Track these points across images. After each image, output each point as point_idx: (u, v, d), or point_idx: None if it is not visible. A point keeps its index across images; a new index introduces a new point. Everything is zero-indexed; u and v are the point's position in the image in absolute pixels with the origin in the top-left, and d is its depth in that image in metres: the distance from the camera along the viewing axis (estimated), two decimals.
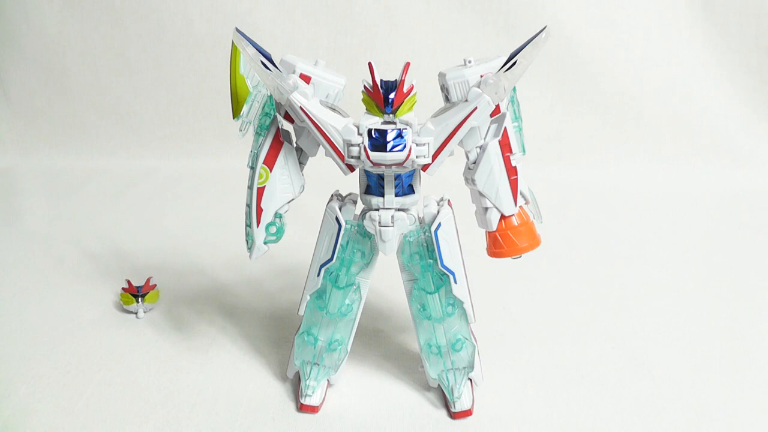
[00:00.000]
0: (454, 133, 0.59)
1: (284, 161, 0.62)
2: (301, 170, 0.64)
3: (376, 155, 0.58)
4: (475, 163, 0.61)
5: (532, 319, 0.87)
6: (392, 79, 0.59)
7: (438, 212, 0.64)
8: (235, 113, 0.64)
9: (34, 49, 1.58)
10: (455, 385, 0.67)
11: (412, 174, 0.62)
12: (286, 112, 0.60)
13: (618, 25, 1.50)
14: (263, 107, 0.64)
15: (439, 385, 0.70)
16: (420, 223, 0.64)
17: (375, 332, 0.83)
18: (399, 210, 0.63)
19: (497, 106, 0.60)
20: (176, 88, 1.59)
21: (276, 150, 0.62)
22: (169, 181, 1.47)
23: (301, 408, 0.68)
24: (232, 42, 0.61)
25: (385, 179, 0.62)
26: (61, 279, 0.99)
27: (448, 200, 0.66)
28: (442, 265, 0.63)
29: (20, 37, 1.57)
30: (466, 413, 0.68)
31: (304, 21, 1.52)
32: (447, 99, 0.62)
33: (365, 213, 0.64)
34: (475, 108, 0.58)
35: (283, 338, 0.82)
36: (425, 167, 0.61)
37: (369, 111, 0.59)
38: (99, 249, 1.10)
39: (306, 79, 0.60)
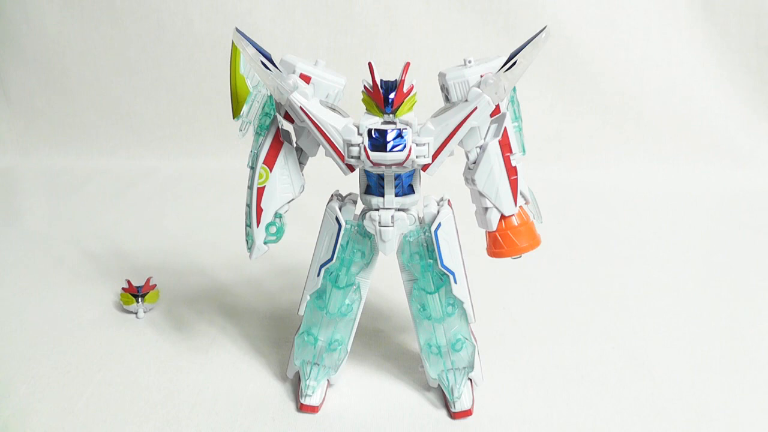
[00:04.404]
0: (454, 133, 0.59)
1: (284, 161, 0.62)
2: (301, 170, 0.64)
3: (376, 155, 0.58)
4: (475, 163, 0.61)
5: (532, 319, 0.87)
6: (392, 79, 0.59)
7: (438, 212, 0.64)
8: (235, 113, 0.64)
9: (34, 49, 1.58)
10: (455, 385, 0.67)
11: (412, 174, 0.62)
12: (286, 112, 0.60)
13: (618, 25, 1.50)
14: (263, 107, 0.64)
15: (439, 385, 0.70)
16: (420, 223, 0.65)
17: (375, 332, 0.83)
18: (399, 210, 0.63)
19: (497, 106, 0.60)
20: (176, 88, 1.59)
21: (276, 150, 0.62)
22: (169, 181, 1.47)
23: (301, 408, 0.68)
24: (232, 42, 0.61)
25: (385, 179, 0.62)
26: (61, 279, 0.99)
27: (448, 200, 0.66)
28: (442, 265, 0.63)
29: (20, 37, 1.57)
30: (466, 413, 0.68)
31: (304, 21, 1.52)
32: (447, 99, 0.62)
33: (365, 213, 0.64)
34: (475, 108, 0.58)
35: (283, 338, 0.82)
36: (425, 167, 0.61)
37: (369, 111, 0.59)
38: (99, 249, 1.10)
39: (306, 79, 0.60)
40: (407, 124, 0.59)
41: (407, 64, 0.59)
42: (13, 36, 1.58)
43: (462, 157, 0.63)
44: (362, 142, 0.59)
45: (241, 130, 0.65)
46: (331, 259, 0.65)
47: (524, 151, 0.64)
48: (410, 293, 0.67)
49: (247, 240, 0.65)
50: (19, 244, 1.12)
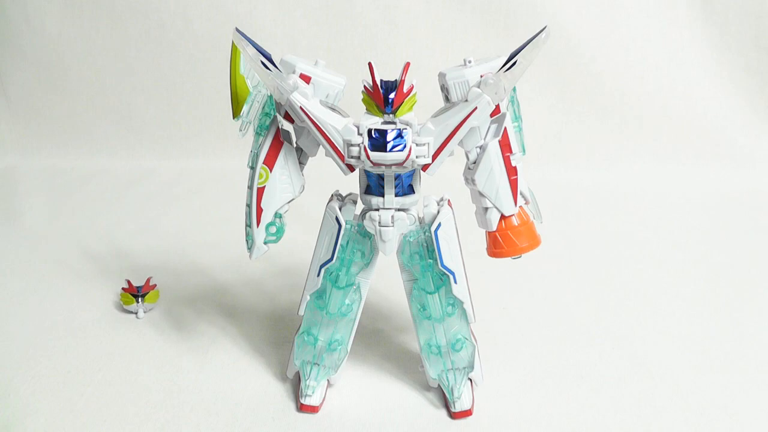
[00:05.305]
0: (454, 133, 0.59)
1: (284, 161, 0.62)
2: (301, 170, 0.64)
3: (376, 155, 0.58)
4: (475, 163, 0.61)
5: (532, 319, 0.87)
6: (392, 79, 0.59)
7: (438, 212, 0.64)
8: (235, 113, 0.65)
9: (34, 49, 1.58)
10: (455, 385, 0.67)
11: (412, 174, 0.62)
12: (286, 112, 0.60)
13: (618, 25, 1.50)
14: (263, 107, 0.64)
15: (439, 385, 0.70)
16: (420, 223, 0.65)
17: (375, 332, 0.83)
18: (399, 210, 0.63)
19: (497, 106, 0.60)
20: (176, 88, 1.59)
21: (276, 150, 0.62)
22: (169, 181, 1.47)
23: (301, 408, 0.68)
24: (232, 42, 0.61)
25: (385, 179, 0.62)
26: (61, 279, 0.99)
27: (448, 200, 0.66)
28: (442, 265, 0.63)
29: (20, 37, 1.57)
30: (466, 413, 0.68)
31: (304, 21, 1.52)
32: (447, 99, 0.62)
33: (365, 213, 0.64)
34: (475, 108, 0.58)
35: (283, 338, 0.82)
36: (425, 167, 0.61)
37: (369, 111, 0.59)
38: (99, 249, 1.10)
39: (306, 79, 0.60)
40: (407, 124, 0.59)
41: (407, 64, 0.59)
42: (13, 36, 1.58)
43: (462, 157, 0.63)
44: (362, 142, 0.59)
45: (241, 130, 0.65)
46: (331, 259, 0.65)
47: (524, 151, 0.64)
48: (410, 293, 0.67)
49: (247, 240, 0.65)
50: (19, 244, 1.12)
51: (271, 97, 0.64)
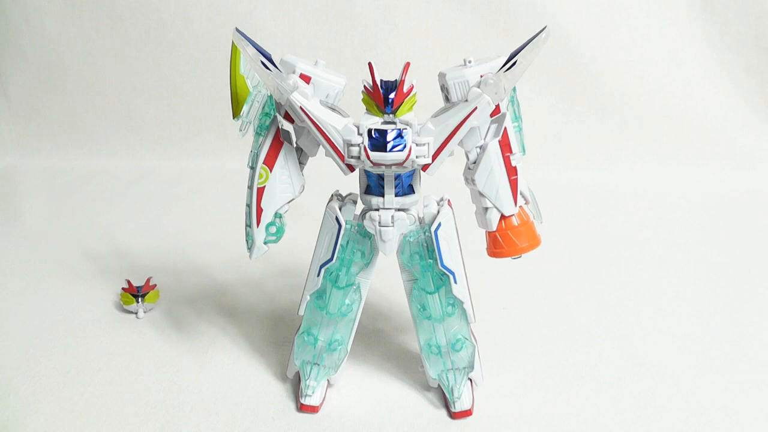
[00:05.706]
0: (454, 133, 0.59)
1: (284, 161, 0.62)
2: (301, 170, 0.64)
3: (376, 155, 0.58)
4: (475, 163, 0.61)
5: (532, 319, 0.87)
6: (392, 79, 0.59)
7: (438, 212, 0.64)
8: (235, 113, 0.65)
9: (34, 49, 1.58)
10: (455, 385, 0.67)
11: (412, 174, 0.63)
12: (286, 112, 0.60)
13: (618, 25, 1.50)
14: (263, 107, 0.64)
15: (439, 385, 0.70)
16: (420, 223, 0.65)
17: (375, 332, 0.83)
18: (399, 210, 0.63)
19: (497, 106, 0.60)
20: (176, 88, 1.59)
21: (276, 150, 0.62)
22: (169, 181, 1.47)
23: (301, 408, 0.68)
24: (232, 42, 0.61)
25: (385, 179, 0.62)
26: (61, 279, 0.99)
27: (448, 200, 0.66)
28: (442, 265, 0.63)
29: (20, 37, 1.57)
30: (466, 413, 0.68)
31: (304, 21, 1.52)
32: (447, 99, 0.62)
33: (365, 213, 0.64)
34: (475, 108, 0.58)
35: (283, 338, 0.82)
36: (425, 167, 0.61)
37: (369, 111, 0.59)
38: (99, 249, 1.10)
39: (306, 79, 0.60)
40: (407, 124, 0.59)
41: (407, 64, 0.59)
42: (13, 36, 1.58)
43: (462, 157, 0.63)
44: (362, 142, 0.59)
45: (241, 130, 0.65)
46: (331, 259, 0.65)
47: (524, 151, 0.64)
48: (410, 293, 0.67)
49: (247, 240, 0.65)
50: (19, 244, 1.12)
51: (271, 97, 0.64)
